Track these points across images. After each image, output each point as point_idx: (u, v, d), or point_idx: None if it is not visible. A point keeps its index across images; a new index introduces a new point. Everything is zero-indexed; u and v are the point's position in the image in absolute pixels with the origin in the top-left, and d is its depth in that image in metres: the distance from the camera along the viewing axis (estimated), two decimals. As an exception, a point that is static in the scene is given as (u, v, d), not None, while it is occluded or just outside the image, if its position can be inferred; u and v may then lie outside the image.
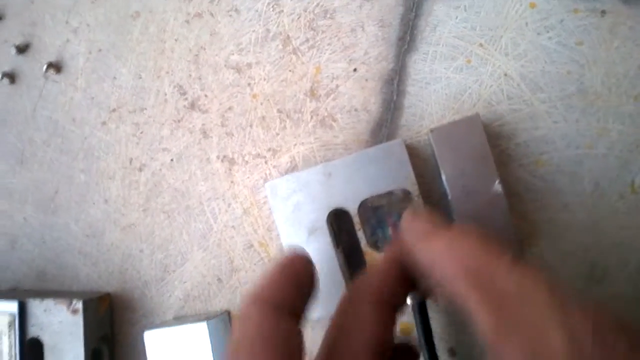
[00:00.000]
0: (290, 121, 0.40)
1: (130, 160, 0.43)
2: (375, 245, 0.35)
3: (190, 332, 0.37)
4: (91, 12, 0.44)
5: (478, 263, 0.23)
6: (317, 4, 0.39)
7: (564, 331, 0.19)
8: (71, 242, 0.44)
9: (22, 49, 0.45)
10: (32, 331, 0.40)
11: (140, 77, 0.43)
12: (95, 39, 0.44)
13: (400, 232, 0.28)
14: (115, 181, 0.43)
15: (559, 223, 0.35)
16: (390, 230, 0.36)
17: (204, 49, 0.41)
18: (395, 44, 0.38)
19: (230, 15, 0.41)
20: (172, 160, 0.42)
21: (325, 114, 0.39)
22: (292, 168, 0.40)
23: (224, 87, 0.41)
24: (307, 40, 0.40)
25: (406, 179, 0.34)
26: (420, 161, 0.37)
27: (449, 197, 0.34)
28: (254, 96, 0.41)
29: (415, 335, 0.35)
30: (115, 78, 0.43)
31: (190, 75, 0.42)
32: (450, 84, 0.37)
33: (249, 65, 0.41)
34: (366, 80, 0.39)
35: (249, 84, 0.41)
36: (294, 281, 0.26)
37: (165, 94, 0.42)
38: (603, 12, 0.35)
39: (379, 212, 0.36)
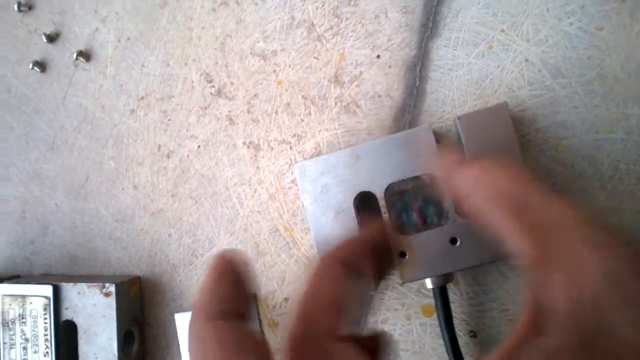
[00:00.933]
0: (314, 107, 0.41)
1: (159, 147, 0.44)
2: (400, 228, 0.36)
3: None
4: (120, 1, 0.45)
5: (515, 191, 0.23)
6: (341, -8, 0.40)
7: (603, 266, 0.19)
8: (102, 227, 0.45)
9: (52, 38, 0.45)
10: (66, 314, 0.41)
11: (168, 65, 0.44)
12: (124, 27, 0.45)
13: (436, 163, 0.28)
14: (144, 167, 0.44)
15: (579, 207, 0.36)
16: (414, 215, 0.36)
17: (230, 36, 0.42)
18: (418, 31, 0.39)
19: (256, 4, 0.42)
20: (199, 146, 0.43)
21: (349, 100, 0.40)
22: (317, 154, 0.41)
23: (250, 74, 0.42)
24: (332, 27, 0.41)
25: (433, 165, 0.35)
26: (443, 146, 0.38)
27: (474, 181, 0.34)
28: (279, 83, 0.41)
29: (435, 317, 0.36)
30: (143, 66, 0.44)
31: (216, 63, 0.43)
32: (472, 70, 0.38)
33: (274, 53, 0.42)
34: (389, 66, 0.40)
35: (274, 71, 0.42)
36: (229, 286, 0.26)
37: (193, 82, 0.43)
38: (624, -2, 0.36)
39: (405, 196, 0.37)
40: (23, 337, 0.41)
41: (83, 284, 0.41)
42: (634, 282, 0.19)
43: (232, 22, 0.42)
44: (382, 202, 0.36)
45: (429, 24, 0.39)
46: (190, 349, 0.24)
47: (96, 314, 0.40)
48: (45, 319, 0.41)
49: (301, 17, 0.41)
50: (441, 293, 0.36)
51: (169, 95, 0.44)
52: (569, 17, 0.37)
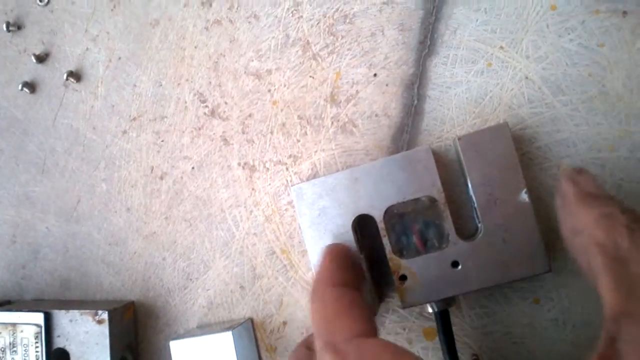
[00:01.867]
0: (310, 127, 0.40)
1: (152, 169, 0.43)
2: (400, 252, 0.35)
3: (215, 342, 0.38)
4: (110, 20, 0.44)
5: (618, 246, 0.23)
6: (337, 9, 0.39)
7: None
8: (94, 251, 0.44)
9: (41, 58, 0.45)
10: (58, 341, 0.40)
11: (161, 85, 0.43)
12: (115, 47, 0.44)
13: (565, 180, 0.28)
14: (137, 189, 0.43)
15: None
16: (414, 238, 0.36)
17: (224, 55, 0.42)
18: (416, 48, 0.38)
19: (250, 22, 0.41)
20: (193, 168, 0.42)
21: (346, 119, 0.39)
22: (314, 175, 0.40)
23: (244, 94, 0.41)
24: (327, 45, 0.40)
25: (432, 186, 0.34)
26: (442, 166, 0.37)
27: (475, 205, 0.34)
28: (274, 103, 0.41)
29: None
30: (135, 86, 0.43)
31: (210, 83, 0.42)
32: (471, 88, 0.37)
33: (269, 72, 0.41)
34: (386, 85, 0.39)
35: (269, 91, 0.41)
36: (348, 262, 0.33)
37: (186, 102, 0.42)
38: (624, 13, 0.35)
39: (405, 219, 0.36)
40: (14, 366, 0.40)
41: (75, 310, 0.40)
42: None
43: (225, 41, 0.42)
44: (381, 225, 0.35)
45: (427, 41, 0.38)
46: (313, 310, 0.28)
47: (89, 342, 0.39)
48: (37, 347, 0.40)
49: (296, 36, 0.40)
50: (443, 317, 0.35)
51: (161, 115, 0.43)
52: (569, 34, 0.36)
